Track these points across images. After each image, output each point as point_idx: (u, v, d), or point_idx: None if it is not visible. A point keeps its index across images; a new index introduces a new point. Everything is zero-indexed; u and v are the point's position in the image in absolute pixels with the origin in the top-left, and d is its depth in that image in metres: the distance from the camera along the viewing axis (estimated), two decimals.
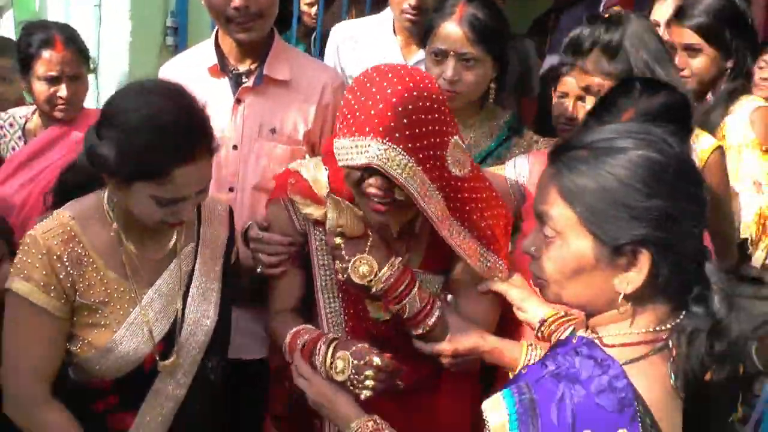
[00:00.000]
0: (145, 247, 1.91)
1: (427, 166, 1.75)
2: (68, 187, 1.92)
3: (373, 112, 1.69)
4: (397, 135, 1.69)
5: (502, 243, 1.97)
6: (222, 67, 2.36)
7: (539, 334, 1.91)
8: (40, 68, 2.70)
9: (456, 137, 1.82)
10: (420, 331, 1.90)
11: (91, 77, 3.01)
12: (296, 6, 3.93)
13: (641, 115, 1.87)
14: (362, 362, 1.77)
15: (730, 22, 2.79)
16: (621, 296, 1.29)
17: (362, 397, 1.77)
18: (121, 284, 1.87)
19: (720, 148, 2.46)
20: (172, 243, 1.95)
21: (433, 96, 1.74)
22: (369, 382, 1.76)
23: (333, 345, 1.83)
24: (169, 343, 1.93)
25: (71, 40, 2.76)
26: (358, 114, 1.72)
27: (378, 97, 1.69)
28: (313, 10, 3.94)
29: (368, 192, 1.77)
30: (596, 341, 1.33)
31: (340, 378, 1.78)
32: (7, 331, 1.84)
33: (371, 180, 1.75)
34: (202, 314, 1.97)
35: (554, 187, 1.32)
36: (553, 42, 4.35)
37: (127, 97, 1.76)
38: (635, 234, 1.25)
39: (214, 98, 2.26)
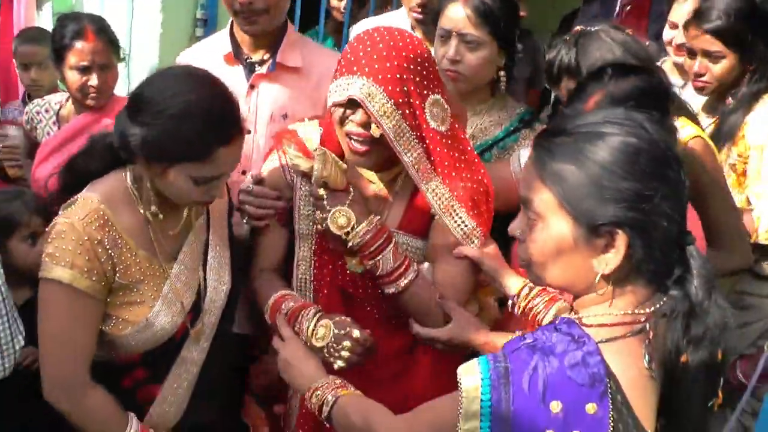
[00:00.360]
0: (165, 223, 1.98)
1: (406, 112, 1.89)
2: (79, 170, 1.97)
3: (362, 54, 1.89)
4: (380, 76, 1.87)
5: (482, 211, 2.03)
6: (236, 55, 2.46)
7: (516, 309, 1.97)
8: (72, 58, 2.82)
9: (437, 95, 1.95)
10: (392, 290, 1.98)
11: (122, 66, 3.13)
12: (324, 0, 4.01)
13: (609, 100, 1.88)
14: (342, 332, 1.87)
15: (750, 23, 2.75)
16: (598, 277, 1.32)
17: (336, 366, 1.86)
18: (151, 261, 1.95)
19: (700, 137, 2.34)
20: (185, 216, 2.02)
21: (419, 52, 1.92)
22: (345, 353, 1.86)
23: (318, 314, 1.94)
24: (195, 311, 2.03)
25: (102, 31, 2.88)
26: (350, 57, 1.92)
27: (369, 43, 1.90)
28: (342, 4, 4.01)
29: (348, 129, 1.92)
30: (576, 321, 1.36)
31: (319, 344, 1.88)
32: (49, 318, 1.86)
33: (353, 116, 1.90)
34: (219, 281, 2.07)
35: (535, 172, 1.37)
36: None
37: (163, 84, 1.83)
38: (611, 215, 1.29)
39: (229, 85, 2.36)
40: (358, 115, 1.90)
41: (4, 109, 3.75)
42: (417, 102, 1.90)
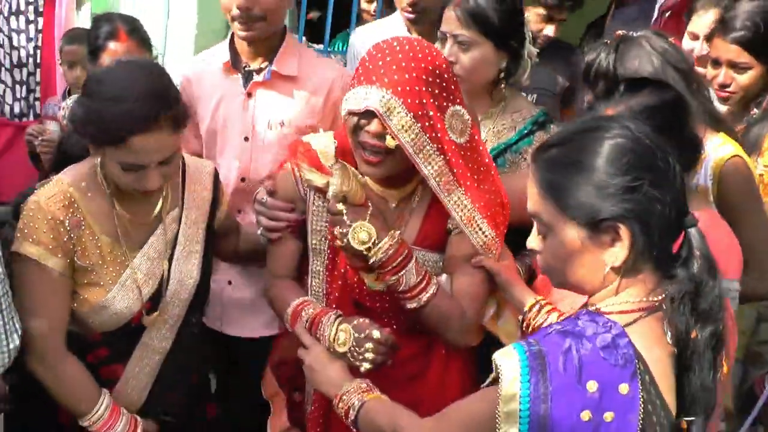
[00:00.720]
0: (135, 211, 2.06)
1: (426, 125, 1.88)
2: (65, 152, 2.09)
3: (381, 64, 1.88)
4: (399, 88, 1.85)
5: (498, 222, 2.04)
6: (234, 64, 2.50)
7: (524, 325, 1.97)
8: (106, 58, 2.92)
9: (458, 107, 1.95)
10: (414, 305, 1.96)
11: None
12: (355, 4, 4.02)
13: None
14: (362, 335, 1.87)
15: None
16: (607, 268, 1.41)
17: (362, 369, 1.86)
18: (114, 247, 2.04)
19: (739, 157, 2.31)
20: (158, 208, 2.09)
21: (438, 63, 1.92)
22: (369, 355, 1.85)
23: (338, 319, 1.94)
24: (155, 300, 2.10)
25: (134, 30, 2.99)
26: (368, 66, 1.91)
27: (388, 52, 1.89)
28: (373, 6, 4.02)
29: (362, 139, 1.91)
30: (595, 311, 1.44)
31: (341, 350, 1.88)
32: (21, 291, 1.96)
33: (368, 126, 1.89)
34: (185, 275, 2.13)
35: (535, 187, 1.47)
36: None
37: (105, 70, 1.96)
38: (610, 212, 1.38)
39: (227, 93, 2.47)
40: (373, 125, 1.89)
41: (45, 105, 3.85)
42: (437, 114, 1.89)
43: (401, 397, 1.75)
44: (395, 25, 3.05)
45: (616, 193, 1.38)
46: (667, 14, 3.83)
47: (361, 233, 1.90)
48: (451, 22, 2.40)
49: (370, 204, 1.96)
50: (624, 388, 1.34)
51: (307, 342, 1.91)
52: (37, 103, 3.95)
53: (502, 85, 2.48)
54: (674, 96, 1.92)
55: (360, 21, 4.12)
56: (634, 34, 2.24)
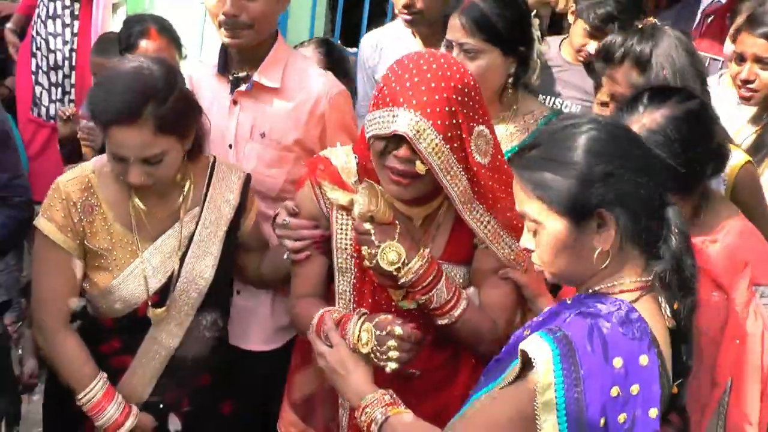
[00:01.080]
0: (152, 204, 2.10)
1: (454, 146, 1.81)
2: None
3: (408, 84, 1.79)
4: (428, 110, 1.77)
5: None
6: (222, 70, 2.46)
7: None
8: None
9: (482, 127, 1.87)
10: (445, 321, 1.92)
11: None
12: (390, 6, 4.00)
13: (646, 130, 1.81)
14: (384, 333, 1.79)
15: None
16: (597, 253, 1.47)
17: (387, 369, 1.78)
18: (125, 236, 2.10)
19: (750, 163, 2.34)
20: (178, 204, 2.12)
21: (465, 81, 1.83)
22: (392, 353, 1.77)
23: (361, 318, 1.86)
24: (164, 295, 2.13)
25: (164, 29, 3.03)
26: (394, 85, 1.81)
27: (415, 71, 1.80)
28: (402, 2, 3.98)
29: (389, 164, 1.83)
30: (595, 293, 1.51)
31: (364, 350, 1.80)
32: (34, 263, 2.15)
33: (396, 150, 1.81)
34: (197, 274, 2.14)
35: (519, 187, 1.54)
36: None
37: (116, 61, 2.06)
38: (593, 200, 1.45)
39: (217, 98, 2.42)
40: (402, 150, 1.80)
41: (81, 108, 3.88)
42: (465, 135, 1.83)
43: (428, 408, 1.71)
44: (399, 29, 3.02)
45: (596, 182, 1.45)
46: (710, 19, 3.76)
47: (390, 254, 1.86)
48: (456, 30, 2.34)
49: (398, 223, 1.90)
50: (644, 360, 1.40)
51: (334, 340, 1.83)
52: (72, 105, 3.98)
53: (510, 90, 2.42)
54: (699, 104, 1.90)
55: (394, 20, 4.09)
56: (665, 27, 2.28)
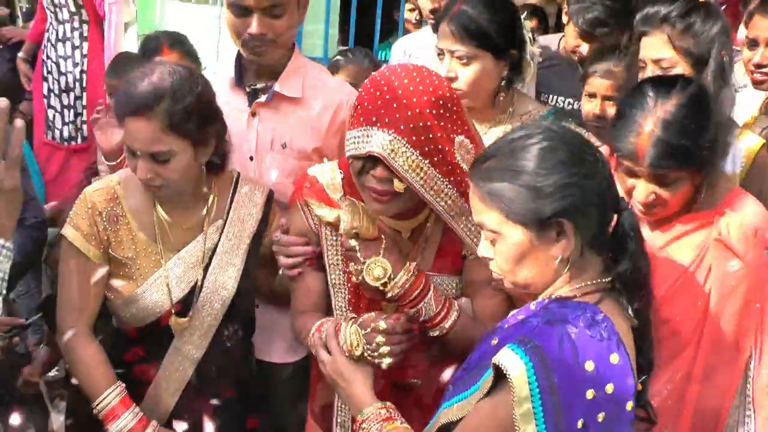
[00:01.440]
0: (176, 215, 2.14)
1: (435, 159, 1.77)
2: None
3: (380, 102, 1.76)
4: (401, 127, 1.73)
5: None
6: (239, 82, 2.43)
7: None
8: None
9: (462, 137, 1.83)
10: (437, 333, 1.91)
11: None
12: (402, 13, 4.01)
13: (662, 122, 1.81)
14: (368, 330, 1.76)
15: None
16: (557, 261, 1.50)
17: (384, 366, 1.76)
18: (149, 245, 2.13)
19: (765, 146, 2.32)
20: (202, 216, 2.15)
21: (440, 93, 1.79)
22: (384, 349, 1.75)
23: (350, 323, 1.82)
24: (187, 306, 2.14)
25: (176, 44, 3.05)
26: (366, 104, 1.78)
27: (386, 89, 1.76)
28: (414, 15, 4.00)
29: (368, 184, 1.82)
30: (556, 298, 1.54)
31: (357, 353, 1.77)
32: (60, 270, 2.16)
33: (373, 170, 1.79)
34: (220, 285, 2.16)
35: (477, 198, 1.55)
36: None
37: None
38: (551, 209, 1.46)
39: (233, 109, 2.37)
40: (378, 170, 1.78)
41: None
42: (447, 148, 1.79)
43: (428, 419, 1.66)
44: (427, 37, 3.01)
45: (553, 192, 1.46)
46: (722, 8, 3.76)
47: (376, 269, 1.86)
48: (446, 37, 2.31)
49: (383, 237, 1.89)
50: (615, 358, 1.43)
51: (333, 348, 1.80)
52: (85, 126, 3.98)
53: (504, 93, 2.39)
54: (699, 87, 1.90)
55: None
56: None
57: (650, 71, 2.30)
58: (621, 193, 1.93)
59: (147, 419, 2.10)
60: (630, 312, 1.54)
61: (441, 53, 2.34)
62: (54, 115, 4.09)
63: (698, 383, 1.89)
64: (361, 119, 1.78)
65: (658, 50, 2.28)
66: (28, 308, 3.32)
